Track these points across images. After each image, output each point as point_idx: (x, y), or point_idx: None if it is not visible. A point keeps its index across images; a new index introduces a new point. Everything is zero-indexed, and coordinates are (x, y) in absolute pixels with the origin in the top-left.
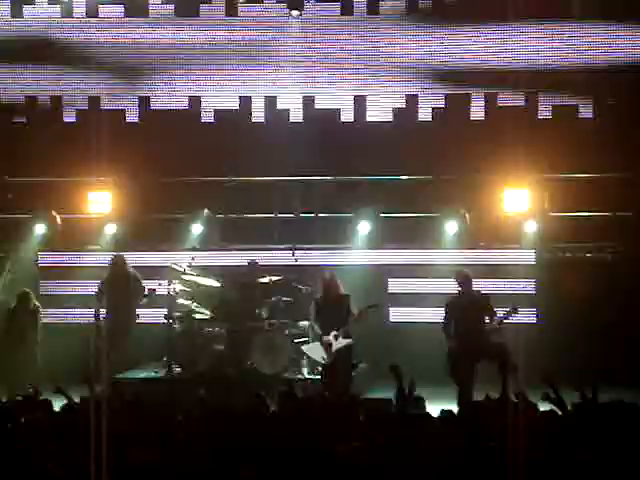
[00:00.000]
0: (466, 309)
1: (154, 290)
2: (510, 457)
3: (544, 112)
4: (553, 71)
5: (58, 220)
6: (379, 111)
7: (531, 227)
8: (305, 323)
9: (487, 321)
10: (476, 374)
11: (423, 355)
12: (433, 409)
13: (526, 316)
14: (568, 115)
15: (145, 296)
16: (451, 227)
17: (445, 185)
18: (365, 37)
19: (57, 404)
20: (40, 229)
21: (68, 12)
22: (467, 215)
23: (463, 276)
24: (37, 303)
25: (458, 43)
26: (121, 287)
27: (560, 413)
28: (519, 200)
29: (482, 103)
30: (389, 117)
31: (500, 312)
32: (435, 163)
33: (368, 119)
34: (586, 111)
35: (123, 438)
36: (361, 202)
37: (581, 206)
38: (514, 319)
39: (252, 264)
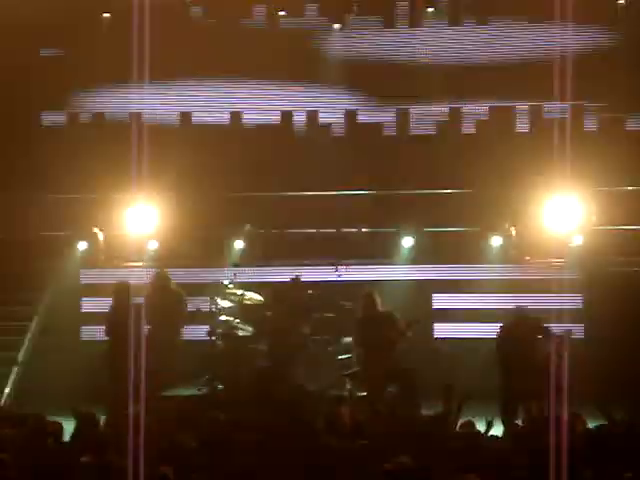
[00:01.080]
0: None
1: (198, 308)
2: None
3: (589, 124)
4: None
5: (100, 237)
6: (423, 124)
7: (577, 241)
8: (348, 339)
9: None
10: None
11: (466, 373)
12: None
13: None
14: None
15: (190, 313)
16: (496, 241)
17: (490, 199)
18: (406, 48)
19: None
20: (82, 246)
21: None
22: (512, 229)
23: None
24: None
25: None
26: (165, 304)
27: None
28: (565, 214)
29: (526, 115)
30: (433, 130)
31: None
32: (480, 176)
33: (411, 132)
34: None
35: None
36: (405, 217)
37: (628, 220)
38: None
39: (294, 279)
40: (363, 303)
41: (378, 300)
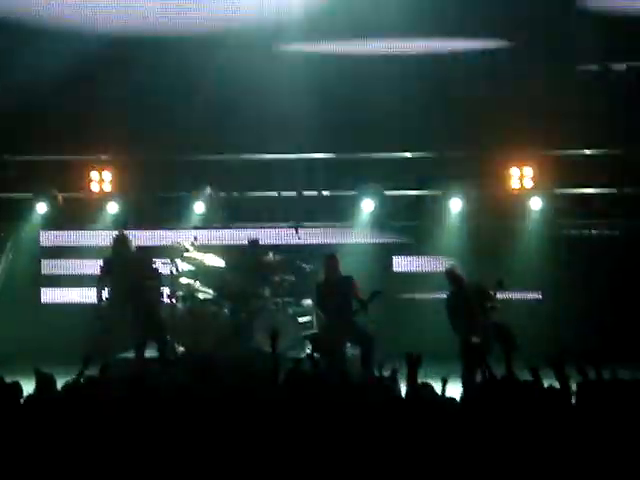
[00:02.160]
0: (464, 306)
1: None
2: (515, 435)
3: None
4: None
5: (60, 199)
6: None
7: (536, 204)
8: (308, 302)
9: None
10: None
11: (428, 331)
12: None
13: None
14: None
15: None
16: (455, 205)
17: (450, 162)
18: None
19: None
20: (42, 208)
21: None
22: (471, 192)
23: (451, 273)
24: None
25: None
26: (124, 266)
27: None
28: (524, 177)
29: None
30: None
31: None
32: (439, 140)
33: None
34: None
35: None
36: (365, 180)
37: (586, 182)
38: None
39: (253, 242)
40: (325, 265)
41: (339, 263)
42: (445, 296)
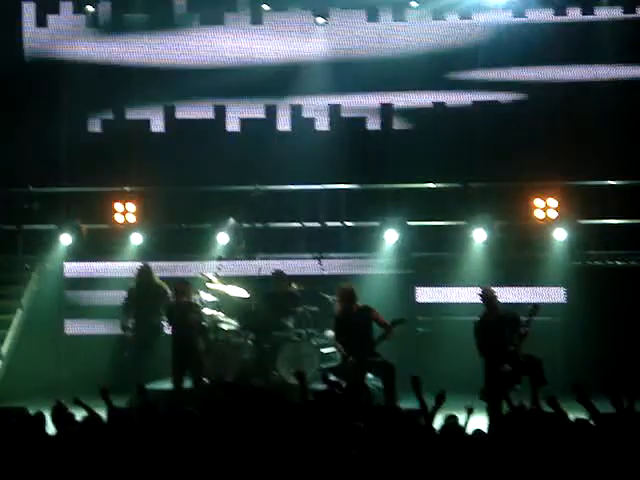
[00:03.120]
0: (495, 328)
1: None
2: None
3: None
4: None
5: (84, 230)
6: (406, 118)
7: (560, 235)
8: (331, 333)
9: (519, 331)
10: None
11: (453, 363)
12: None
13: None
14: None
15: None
16: (479, 235)
17: (474, 193)
18: (390, 44)
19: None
20: (66, 239)
21: (92, 22)
22: (496, 223)
23: (486, 295)
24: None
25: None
26: (148, 297)
27: (592, 422)
28: (549, 208)
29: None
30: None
31: (523, 318)
32: (463, 170)
33: (395, 127)
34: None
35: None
36: (388, 211)
37: (610, 213)
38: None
39: (277, 273)
40: (339, 298)
41: (356, 294)
42: (475, 319)
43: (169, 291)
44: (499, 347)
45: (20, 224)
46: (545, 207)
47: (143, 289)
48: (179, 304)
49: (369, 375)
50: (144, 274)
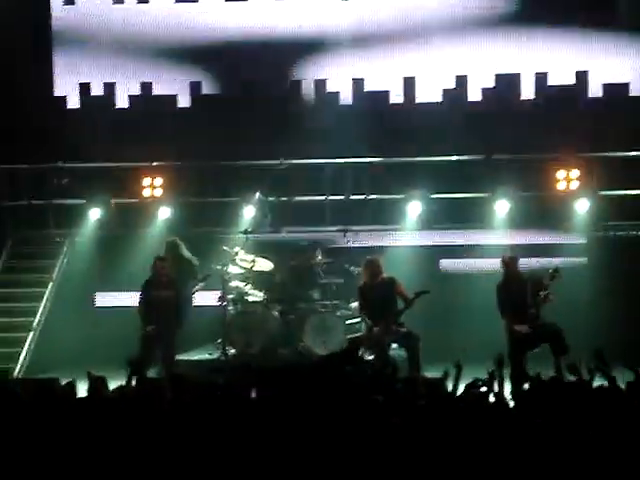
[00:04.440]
0: (516, 290)
1: (209, 275)
2: (563, 434)
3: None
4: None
5: (112, 205)
6: (429, 92)
7: (582, 206)
8: (356, 304)
9: (539, 295)
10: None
11: (476, 330)
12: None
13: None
14: (619, 93)
15: (201, 280)
16: (502, 207)
17: (496, 165)
18: (415, 18)
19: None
20: (95, 214)
21: None
22: (518, 195)
23: (508, 258)
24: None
25: None
26: (177, 271)
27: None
28: (570, 179)
29: (532, 82)
30: (439, 98)
31: (545, 281)
32: (486, 143)
33: (417, 100)
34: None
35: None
36: (412, 183)
37: (632, 184)
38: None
39: (303, 246)
40: (365, 269)
41: (380, 266)
42: (498, 282)
43: (197, 264)
44: (520, 309)
45: (50, 199)
46: (567, 178)
47: (172, 263)
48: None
49: (393, 345)
50: (173, 248)
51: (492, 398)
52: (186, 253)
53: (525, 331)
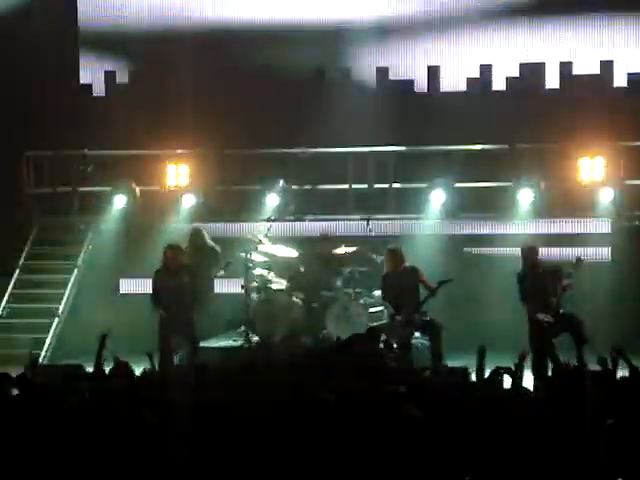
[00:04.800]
0: (536, 280)
1: (230, 262)
2: (588, 424)
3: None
4: None
5: (137, 192)
6: (453, 81)
7: (607, 195)
8: (379, 292)
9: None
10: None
11: (499, 318)
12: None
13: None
14: None
15: (223, 267)
16: (526, 196)
17: (520, 154)
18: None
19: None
20: (120, 201)
21: None
22: (542, 184)
23: (528, 248)
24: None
25: None
26: (199, 258)
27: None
28: (595, 168)
29: (557, 71)
30: (463, 87)
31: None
32: (510, 132)
33: (442, 89)
34: None
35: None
36: (435, 172)
37: None
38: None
39: (326, 234)
40: (387, 259)
41: (402, 255)
42: (519, 271)
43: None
44: (541, 298)
45: (75, 186)
46: (591, 168)
47: (195, 251)
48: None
49: (416, 334)
50: (196, 236)
51: (512, 386)
52: (209, 242)
53: (547, 320)
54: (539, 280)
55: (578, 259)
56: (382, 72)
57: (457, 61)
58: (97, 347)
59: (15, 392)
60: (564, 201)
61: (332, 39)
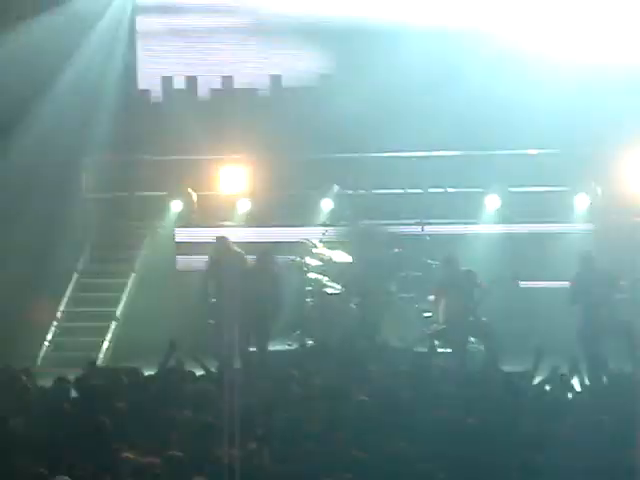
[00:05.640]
0: (591, 285)
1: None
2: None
3: None
4: None
5: (194, 197)
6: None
7: None
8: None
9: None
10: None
11: (552, 324)
12: None
13: None
14: None
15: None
16: (582, 201)
17: (576, 159)
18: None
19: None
20: (176, 206)
21: None
22: (599, 189)
23: (584, 255)
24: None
25: None
26: (226, 266)
27: None
28: None
29: None
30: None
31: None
32: (566, 136)
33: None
34: None
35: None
36: (491, 177)
37: None
38: None
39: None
40: (442, 265)
41: (457, 262)
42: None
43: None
44: (593, 300)
45: (133, 191)
46: None
47: (221, 258)
48: None
49: (471, 339)
50: (221, 245)
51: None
52: (235, 248)
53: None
54: (592, 286)
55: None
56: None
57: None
58: (166, 353)
59: (74, 394)
60: (620, 205)
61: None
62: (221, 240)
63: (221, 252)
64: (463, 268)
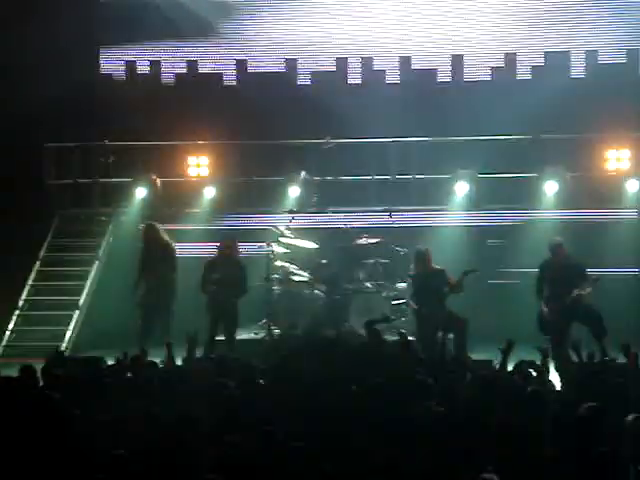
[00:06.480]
0: (558, 275)
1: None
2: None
3: None
4: None
5: (158, 183)
6: (477, 70)
7: (633, 186)
8: (402, 285)
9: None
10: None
11: (518, 313)
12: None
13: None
14: None
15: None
16: (551, 187)
17: (545, 145)
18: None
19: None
20: (141, 193)
21: None
22: (567, 175)
23: (555, 244)
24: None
25: None
26: (155, 256)
27: None
28: (621, 159)
29: (582, 60)
30: (487, 76)
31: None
32: (534, 122)
33: (465, 79)
34: None
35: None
36: (459, 163)
37: None
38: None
39: (345, 229)
40: (416, 260)
41: (430, 257)
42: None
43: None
44: (557, 292)
45: (96, 177)
46: (617, 158)
47: (149, 248)
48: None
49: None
50: (150, 232)
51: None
52: (164, 237)
53: (555, 310)
54: (560, 275)
55: (595, 279)
56: (405, 61)
57: (481, 50)
58: (187, 347)
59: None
60: (590, 192)
61: (352, 28)
62: (149, 228)
63: (149, 241)
64: (436, 266)
